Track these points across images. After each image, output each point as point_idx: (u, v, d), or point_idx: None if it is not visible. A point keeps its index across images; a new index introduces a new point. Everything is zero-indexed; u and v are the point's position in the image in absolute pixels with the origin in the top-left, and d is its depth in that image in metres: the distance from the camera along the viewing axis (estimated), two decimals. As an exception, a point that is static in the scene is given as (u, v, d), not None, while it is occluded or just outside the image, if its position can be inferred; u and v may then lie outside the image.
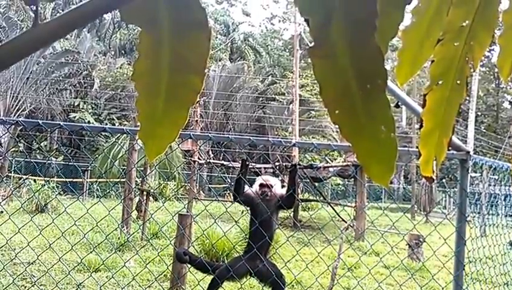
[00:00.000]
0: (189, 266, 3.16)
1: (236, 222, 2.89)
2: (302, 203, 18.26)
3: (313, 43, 0.84)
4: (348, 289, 6.84)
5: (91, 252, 6.43)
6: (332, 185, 31.31)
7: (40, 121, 2.97)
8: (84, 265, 6.39)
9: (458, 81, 1.04)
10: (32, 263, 5.89)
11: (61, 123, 2.99)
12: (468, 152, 2.29)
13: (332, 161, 16.91)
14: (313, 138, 27.71)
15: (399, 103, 2.37)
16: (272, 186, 2.99)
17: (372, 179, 0.94)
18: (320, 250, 7.87)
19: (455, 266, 2.53)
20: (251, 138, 2.76)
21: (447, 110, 1.06)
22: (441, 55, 1.01)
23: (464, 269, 2.53)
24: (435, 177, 1.10)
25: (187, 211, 16.03)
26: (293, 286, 6.71)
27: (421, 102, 1.06)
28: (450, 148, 2.59)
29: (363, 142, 0.88)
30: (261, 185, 3.01)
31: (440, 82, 1.03)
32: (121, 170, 13.41)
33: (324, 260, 8.09)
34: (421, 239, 8.84)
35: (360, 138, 0.88)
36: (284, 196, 2.99)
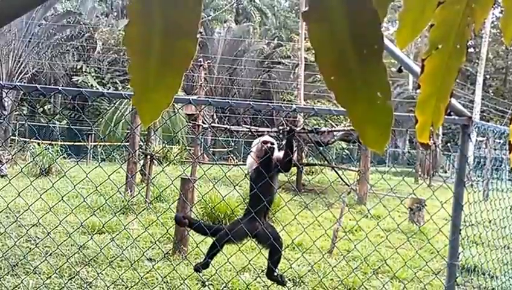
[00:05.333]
0: (189, 229, 3.22)
1: (235, 186, 2.92)
2: (306, 167, 18.39)
3: (307, 7, 0.82)
4: (348, 251, 6.97)
5: (93, 214, 6.58)
6: (337, 150, 31.38)
7: (39, 86, 2.95)
8: (88, 227, 6.54)
9: (458, 46, 1.01)
10: (36, 225, 6.02)
11: (60, 88, 2.97)
12: (470, 117, 2.28)
13: (337, 125, 16.85)
14: (318, 102, 27.55)
15: (402, 68, 2.34)
16: (273, 146, 3.01)
17: (367, 145, 0.94)
18: (322, 213, 8.01)
19: (451, 230, 2.57)
20: (251, 102, 2.75)
21: (446, 75, 1.05)
22: (441, 18, 0.98)
23: (460, 233, 2.57)
24: (431, 144, 1.10)
25: (191, 175, 16.20)
26: (294, 248, 6.83)
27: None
28: (451, 113, 2.56)
29: (358, 109, 0.88)
30: (264, 142, 3.03)
31: (440, 46, 1.01)
32: (125, 134, 13.46)
33: (325, 224, 8.24)
34: (422, 203, 8.93)
35: (356, 104, 0.87)
36: (281, 159, 3.01)
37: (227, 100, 2.65)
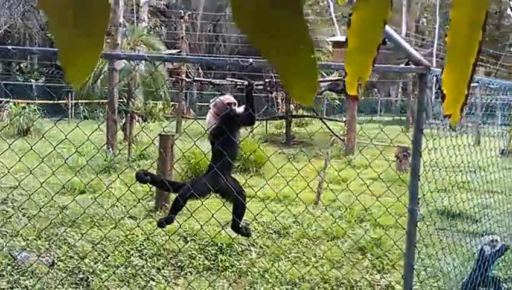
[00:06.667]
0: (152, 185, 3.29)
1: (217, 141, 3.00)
2: (296, 119, 18.49)
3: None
4: (334, 201, 7.18)
5: (75, 175, 6.63)
6: (328, 100, 31.39)
7: (10, 47, 2.93)
8: (69, 188, 6.62)
9: None
10: (15, 188, 6.09)
11: (34, 49, 2.96)
12: (428, 67, 2.34)
13: (328, 76, 16.81)
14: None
15: (386, 40, 2.36)
16: (235, 104, 3.06)
17: (295, 99, 1.00)
18: (309, 165, 8.15)
19: (411, 177, 2.69)
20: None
21: (371, 29, 1.09)
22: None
23: (419, 180, 2.69)
24: (360, 96, 1.15)
25: (176, 131, 16.23)
26: (280, 200, 7.01)
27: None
28: (410, 62, 2.61)
29: (284, 64, 0.92)
30: (224, 99, 3.08)
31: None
32: (105, 91, 13.32)
33: (313, 175, 8.40)
34: (407, 151, 9.12)
35: (281, 60, 0.92)
36: (242, 113, 3.07)
37: (202, 56, 2.65)
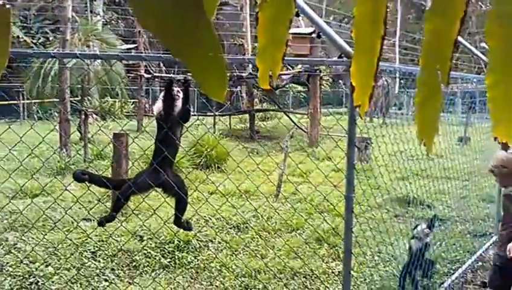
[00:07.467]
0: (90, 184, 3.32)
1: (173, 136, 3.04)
2: (258, 113, 18.61)
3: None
4: (295, 193, 7.34)
5: (32, 177, 6.53)
6: (294, 93, 31.66)
7: None
8: (23, 192, 6.51)
9: (285, -1, 1.14)
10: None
11: None
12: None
13: (293, 68, 16.98)
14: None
15: (320, 33, 2.46)
16: (175, 100, 3.11)
17: (208, 95, 1.08)
18: (271, 159, 8.28)
19: (347, 166, 2.82)
20: (162, 55, 2.84)
21: (277, 26, 1.18)
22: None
23: (354, 168, 2.83)
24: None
25: (137, 129, 16.06)
26: (241, 195, 7.11)
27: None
28: (342, 55, 2.74)
29: (193, 62, 1.00)
30: (165, 99, 3.13)
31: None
32: (57, 90, 13.02)
33: (276, 169, 8.53)
34: (367, 141, 9.39)
35: (189, 58, 1.00)
36: (179, 109, 3.14)
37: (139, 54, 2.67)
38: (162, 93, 3.19)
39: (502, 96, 1.14)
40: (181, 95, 3.12)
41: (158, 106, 3.18)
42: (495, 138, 1.19)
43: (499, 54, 1.12)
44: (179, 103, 3.13)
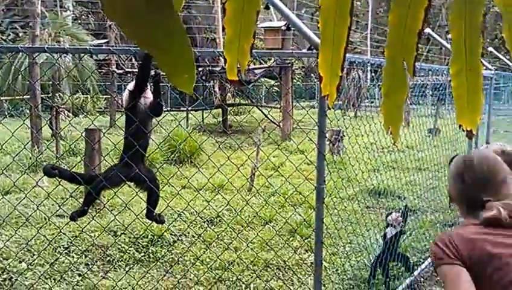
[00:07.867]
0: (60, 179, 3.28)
1: (148, 132, 3.00)
2: (231, 107, 18.58)
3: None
4: (268, 187, 7.38)
5: (1, 173, 6.37)
6: (267, 87, 31.70)
7: None
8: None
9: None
10: None
11: None
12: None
13: (265, 63, 16.98)
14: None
15: (290, 26, 2.48)
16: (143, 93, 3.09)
17: (177, 87, 1.08)
18: (244, 153, 8.31)
19: (317, 157, 2.85)
20: (131, 48, 2.81)
21: (245, 18, 1.19)
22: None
23: (325, 159, 2.86)
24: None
25: (110, 125, 15.83)
26: (214, 189, 7.11)
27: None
28: (312, 47, 2.76)
29: (162, 55, 1.00)
30: (132, 92, 3.10)
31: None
32: (28, 87, 12.73)
33: (250, 163, 8.56)
34: (339, 134, 9.51)
35: (159, 51, 0.99)
36: (150, 103, 3.12)
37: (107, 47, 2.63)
38: (131, 84, 3.15)
39: (464, 84, 1.18)
40: (150, 87, 3.10)
41: (126, 97, 3.14)
42: (459, 126, 1.23)
43: (461, 44, 1.16)
44: (149, 96, 3.11)
